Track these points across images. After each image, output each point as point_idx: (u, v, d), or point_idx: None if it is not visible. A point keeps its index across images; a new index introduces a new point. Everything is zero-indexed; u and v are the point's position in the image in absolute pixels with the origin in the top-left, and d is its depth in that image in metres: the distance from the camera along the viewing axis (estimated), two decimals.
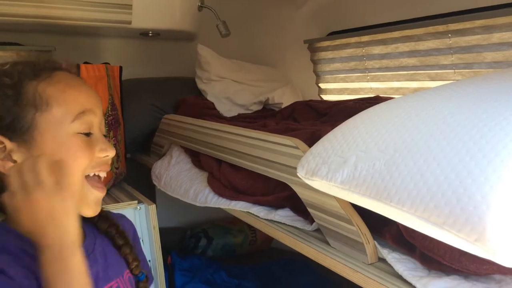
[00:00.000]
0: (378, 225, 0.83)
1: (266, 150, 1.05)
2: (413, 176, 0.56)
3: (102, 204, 1.41)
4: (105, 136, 0.80)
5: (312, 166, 0.71)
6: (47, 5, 1.53)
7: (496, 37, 1.32)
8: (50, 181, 0.62)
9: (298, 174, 0.74)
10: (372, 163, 0.62)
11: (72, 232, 0.62)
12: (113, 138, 1.58)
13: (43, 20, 1.56)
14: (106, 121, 1.52)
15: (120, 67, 1.67)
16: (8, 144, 0.68)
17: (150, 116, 1.80)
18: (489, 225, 0.47)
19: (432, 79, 1.57)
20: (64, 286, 0.59)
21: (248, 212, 1.10)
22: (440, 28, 1.46)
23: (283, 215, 1.02)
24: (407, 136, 0.61)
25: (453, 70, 1.48)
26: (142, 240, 1.46)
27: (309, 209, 0.93)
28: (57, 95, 0.71)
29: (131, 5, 1.67)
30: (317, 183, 0.70)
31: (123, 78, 1.69)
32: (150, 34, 1.94)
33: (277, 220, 1.02)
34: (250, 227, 2.18)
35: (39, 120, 0.69)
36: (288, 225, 1.01)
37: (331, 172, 0.67)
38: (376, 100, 1.51)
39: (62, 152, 0.70)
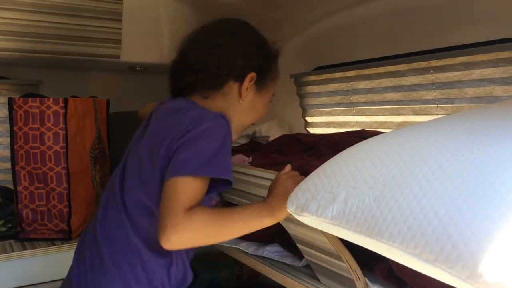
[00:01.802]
0: (369, 261, 0.82)
1: (252, 185, 1.05)
2: (403, 212, 0.56)
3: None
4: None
5: (301, 202, 0.71)
6: (35, 40, 1.54)
7: (477, 73, 1.37)
8: None
9: (288, 209, 0.74)
10: (362, 199, 0.62)
11: None
12: (99, 172, 1.56)
13: (31, 54, 1.57)
14: (93, 155, 1.51)
15: (108, 101, 1.67)
16: (253, 82, 1.06)
17: None
18: (480, 262, 0.48)
19: (416, 113, 1.60)
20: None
21: (237, 247, 1.09)
22: (423, 64, 1.51)
23: (272, 250, 1.01)
24: (396, 171, 0.62)
25: (436, 105, 1.51)
26: None
27: (298, 245, 0.92)
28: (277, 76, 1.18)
29: (120, 40, 1.69)
30: (307, 219, 0.70)
31: (110, 111, 1.69)
32: (138, 68, 1.95)
33: (266, 256, 1.01)
34: (236, 261, 2.15)
35: (269, 85, 1.12)
36: (277, 261, 1.00)
37: (321, 208, 0.67)
38: (361, 134, 1.53)
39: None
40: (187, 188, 0.82)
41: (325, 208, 0.66)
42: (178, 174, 0.82)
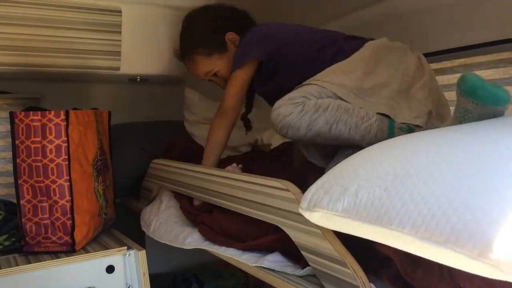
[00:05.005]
0: (376, 267, 0.82)
1: (255, 193, 1.05)
2: (413, 198, 0.57)
3: (90, 251, 1.38)
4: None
5: (314, 198, 0.72)
6: (35, 53, 1.55)
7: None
8: None
9: (300, 208, 0.74)
10: (372, 190, 0.63)
11: None
12: (102, 183, 1.56)
13: (31, 68, 1.58)
14: (95, 166, 1.51)
15: (109, 112, 1.68)
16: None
17: (139, 161, 1.80)
18: (492, 240, 0.48)
19: None
20: None
21: (238, 260, 1.09)
22: None
23: (272, 260, 1.00)
24: (406, 163, 0.63)
25: None
26: None
27: (302, 252, 0.91)
28: None
29: (120, 52, 1.70)
30: (317, 214, 0.71)
31: (112, 123, 1.70)
32: (138, 79, 1.96)
33: (266, 266, 1.01)
34: (241, 270, 2.14)
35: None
36: (278, 271, 0.99)
37: (332, 202, 0.68)
38: None
39: None
40: None
41: (336, 201, 0.67)
42: None
